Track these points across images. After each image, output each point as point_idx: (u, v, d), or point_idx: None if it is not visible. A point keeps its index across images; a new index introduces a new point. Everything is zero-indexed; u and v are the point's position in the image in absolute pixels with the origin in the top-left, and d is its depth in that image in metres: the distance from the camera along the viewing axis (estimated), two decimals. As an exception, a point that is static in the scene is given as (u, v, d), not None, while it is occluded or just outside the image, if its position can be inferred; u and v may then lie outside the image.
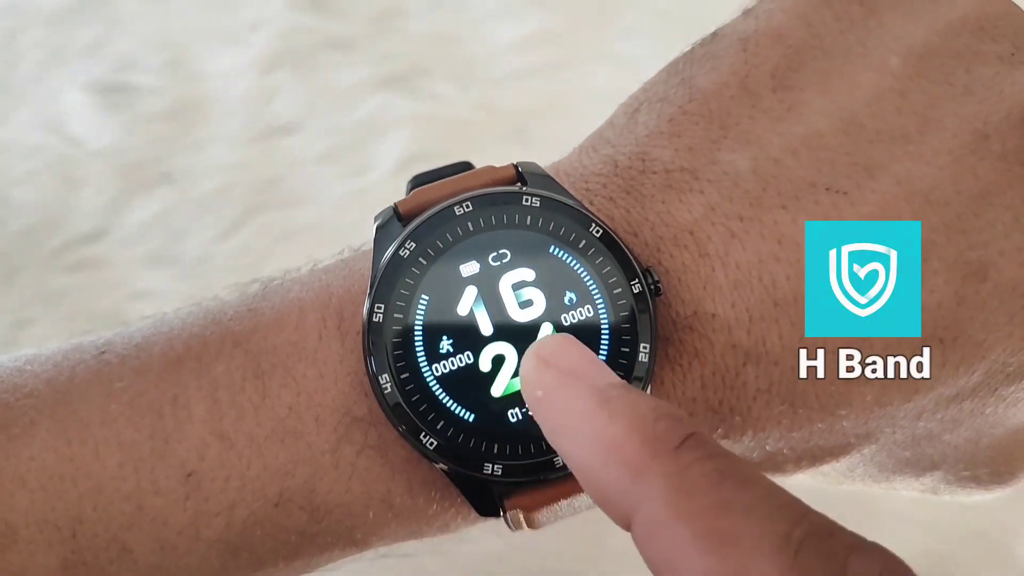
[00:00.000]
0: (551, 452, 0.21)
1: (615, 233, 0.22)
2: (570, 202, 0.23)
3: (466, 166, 0.24)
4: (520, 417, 0.22)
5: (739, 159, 0.23)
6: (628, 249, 0.22)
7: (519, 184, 0.24)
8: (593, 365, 0.18)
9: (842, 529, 0.15)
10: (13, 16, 0.48)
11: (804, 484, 0.36)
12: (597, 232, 0.22)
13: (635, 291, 0.22)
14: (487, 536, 0.39)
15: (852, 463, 0.25)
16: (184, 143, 0.46)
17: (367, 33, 0.49)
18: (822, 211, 0.22)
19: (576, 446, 0.17)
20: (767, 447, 0.23)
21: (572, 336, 0.20)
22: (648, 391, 0.22)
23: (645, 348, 0.22)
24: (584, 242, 0.22)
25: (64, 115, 0.46)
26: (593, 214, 0.23)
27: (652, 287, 0.22)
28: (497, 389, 0.22)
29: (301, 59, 0.48)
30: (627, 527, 0.16)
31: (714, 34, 0.25)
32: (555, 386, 0.18)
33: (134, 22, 0.48)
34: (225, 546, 0.22)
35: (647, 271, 0.22)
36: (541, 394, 0.18)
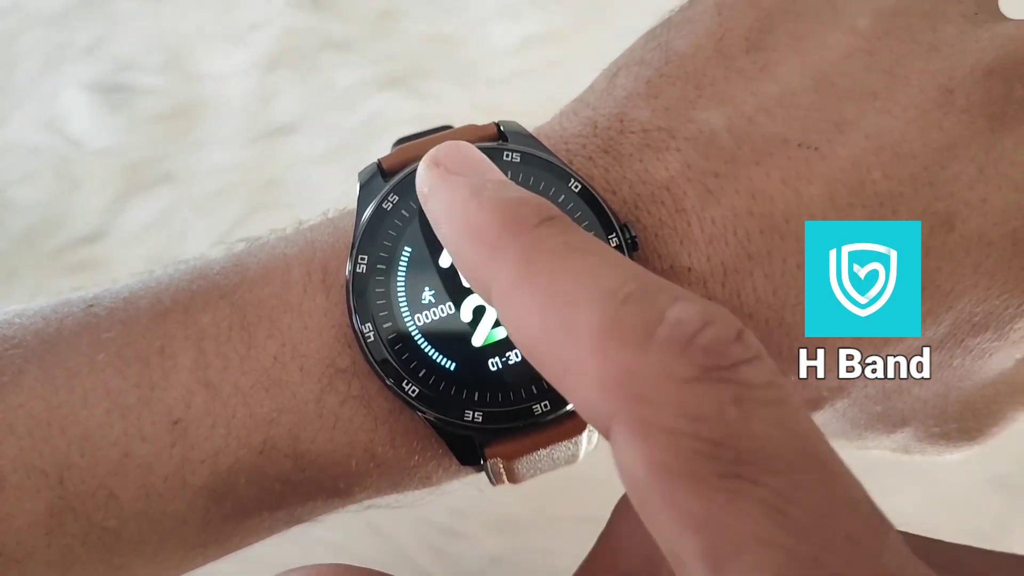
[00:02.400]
0: (530, 400, 0.22)
1: (594, 189, 0.23)
2: (550, 158, 0.23)
3: (448, 128, 0.25)
4: (500, 366, 0.22)
5: (714, 118, 0.23)
6: (606, 204, 0.23)
7: (500, 141, 0.24)
8: (476, 165, 0.20)
9: (671, 286, 0.16)
10: (13, 16, 0.48)
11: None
12: (576, 187, 0.23)
13: (613, 245, 0.22)
14: (487, 536, 0.39)
15: (825, 419, 0.25)
16: (184, 143, 0.46)
17: (367, 33, 0.49)
18: (794, 166, 0.23)
19: (449, 231, 0.19)
20: None
21: (467, 143, 0.21)
22: None
23: None
24: (563, 197, 0.23)
25: (64, 115, 0.46)
26: (572, 170, 0.23)
27: (629, 242, 0.23)
28: (478, 339, 0.22)
29: (301, 59, 0.48)
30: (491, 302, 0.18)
31: (690, 1, 0.26)
32: (438, 183, 0.20)
33: (134, 22, 0.48)
34: (210, 493, 0.22)
35: (625, 226, 0.23)
36: (427, 190, 0.20)
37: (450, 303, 0.22)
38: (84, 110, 0.46)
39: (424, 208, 0.21)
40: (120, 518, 0.22)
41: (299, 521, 0.24)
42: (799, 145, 0.23)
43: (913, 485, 0.41)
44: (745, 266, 0.23)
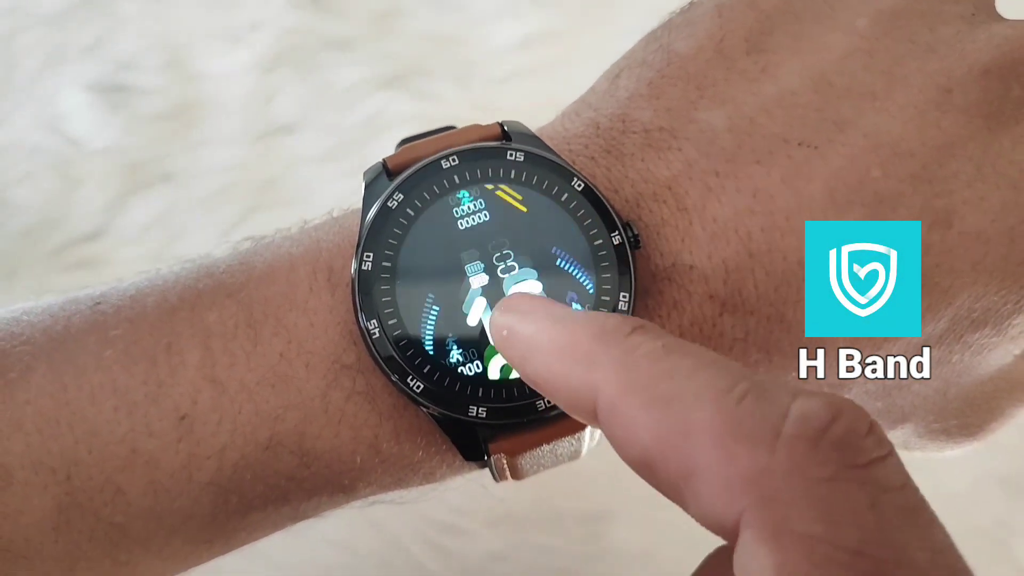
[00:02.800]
0: (534, 396, 0.22)
1: (596, 188, 0.23)
2: (553, 158, 0.24)
3: (452, 128, 0.25)
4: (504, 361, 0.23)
5: (715, 118, 0.24)
6: (609, 203, 0.23)
7: (504, 140, 0.24)
8: (549, 303, 0.20)
9: (787, 381, 0.16)
10: (13, 16, 0.48)
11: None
12: (579, 186, 0.23)
13: (615, 243, 0.23)
14: (488, 532, 0.39)
15: None
16: (184, 143, 0.46)
17: (367, 33, 0.49)
18: (794, 165, 0.23)
19: (538, 360, 0.18)
20: None
21: (530, 291, 0.22)
22: None
23: (625, 298, 0.23)
24: (566, 195, 0.23)
25: (64, 115, 0.46)
26: (575, 169, 0.23)
27: (632, 240, 0.23)
28: (493, 371, 0.23)
29: (301, 59, 0.48)
30: (595, 422, 0.17)
31: (691, 3, 0.26)
32: (517, 323, 0.19)
33: (134, 22, 0.48)
34: (216, 489, 0.22)
35: (627, 224, 0.23)
36: (506, 333, 0.20)
37: (455, 300, 0.23)
38: (84, 110, 0.46)
39: (503, 352, 0.20)
40: (127, 514, 0.22)
41: (304, 517, 0.24)
42: (799, 144, 0.23)
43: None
44: (746, 264, 0.23)
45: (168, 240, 0.45)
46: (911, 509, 0.14)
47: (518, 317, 0.19)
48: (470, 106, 0.47)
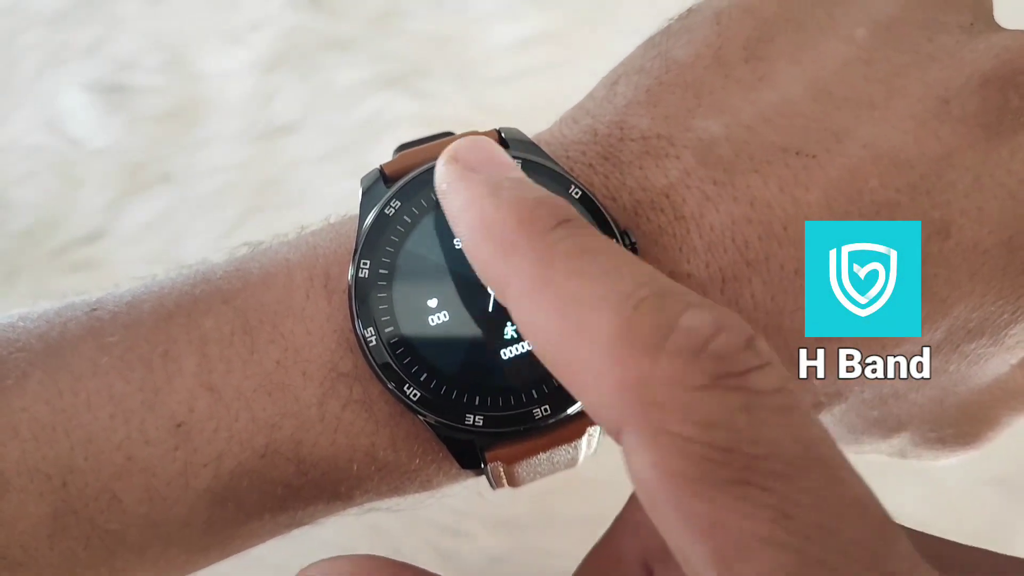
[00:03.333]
0: (531, 404, 0.22)
1: (594, 195, 0.23)
2: (551, 165, 0.23)
3: (449, 135, 0.25)
4: (502, 371, 0.23)
5: (713, 126, 0.24)
6: (606, 211, 0.23)
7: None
8: (495, 161, 0.20)
9: (685, 291, 0.17)
10: (13, 16, 0.48)
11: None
12: (576, 194, 0.23)
13: None
14: (488, 536, 0.39)
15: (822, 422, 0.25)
16: (184, 143, 0.46)
17: (367, 33, 0.49)
18: (792, 174, 0.23)
19: (465, 228, 0.19)
20: None
21: (486, 138, 0.21)
22: None
23: None
24: None
25: (64, 115, 0.46)
26: (573, 177, 0.23)
27: (629, 248, 0.23)
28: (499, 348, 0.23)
29: (301, 59, 0.48)
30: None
31: (689, 10, 0.26)
32: (456, 179, 0.20)
33: (134, 22, 0.48)
34: (212, 497, 0.22)
35: (625, 232, 0.23)
36: (445, 186, 0.20)
37: (453, 308, 0.23)
38: (84, 110, 0.46)
39: (442, 204, 0.21)
40: (123, 522, 0.22)
41: (300, 524, 0.24)
42: (797, 153, 0.23)
43: (912, 485, 0.41)
44: (743, 273, 0.23)
45: (168, 240, 0.45)
46: (785, 409, 0.15)
47: (459, 175, 0.20)
48: (470, 106, 0.47)
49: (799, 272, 0.23)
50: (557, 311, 0.17)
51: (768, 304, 0.23)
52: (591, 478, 0.37)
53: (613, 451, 0.32)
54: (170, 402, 0.22)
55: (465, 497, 0.38)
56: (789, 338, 0.23)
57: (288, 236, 0.25)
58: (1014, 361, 0.26)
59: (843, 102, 0.23)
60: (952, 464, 0.41)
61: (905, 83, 0.23)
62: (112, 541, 0.22)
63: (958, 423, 0.27)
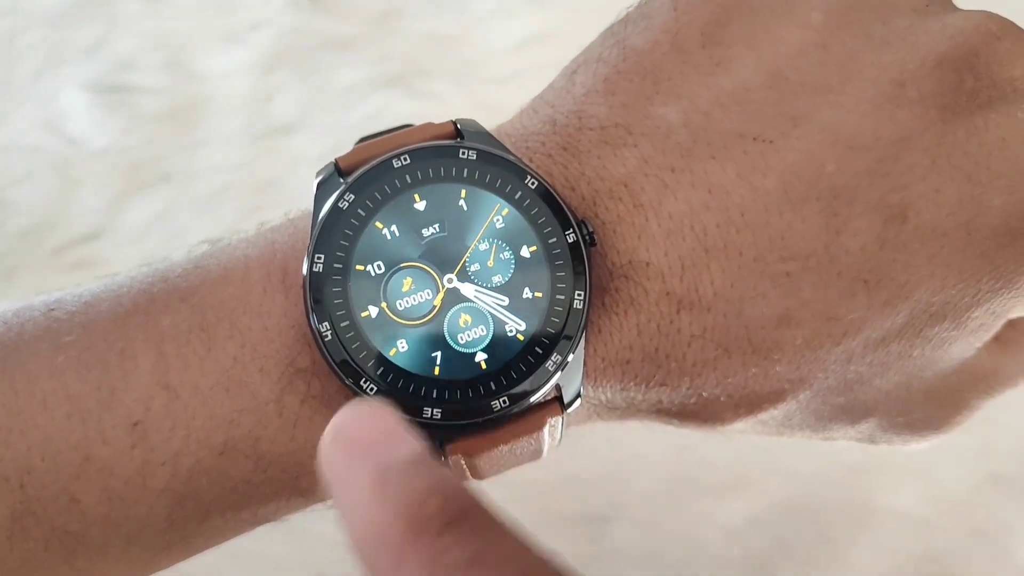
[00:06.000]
0: (488, 396, 0.22)
1: (550, 185, 0.23)
2: (506, 156, 0.23)
3: (408, 127, 0.25)
4: (457, 363, 0.23)
5: (671, 113, 0.24)
6: (563, 200, 0.23)
7: (458, 139, 0.24)
8: (385, 438, 0.17)
9: None
10: (13, 16, 0.48)
11: (804, 488, 0.36)
12: (532, 184, 0.23)
13: (569, 241, 0.23)
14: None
15: (789, 410, 0.25)
16: (184, 143, 0.46)
17: (367, 33, 0.49)
18: (750, 160, 0.23)
19: (352, 528, 0.16)
20: (704, 393, 0.24)
21: (376, 402, 0.18)
22: (583, 338, 0.23)
23: (580, 296, 0.23)
24: (520, 194, 0.23)
25: (64, 115, 0.46)
26: (529, 167, 0.23)
27: (587, 237, 0.23)
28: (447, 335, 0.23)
29: (301, 59, 0.48)
30: None
31: None
32: (341, 466, 0.17)
33: (134, 22, 0.48)
34: (171, 495, 0.22)
35: (582, 222, 0.23)
36: (329, 476, 0.17)
37: (408, 300, 0.23)
38: (84, 110, 0.46)
39: (328, 494, 0.18)
40: (83, 522, 0.21)
41: (263, 521, 0.24)
42: (754, 139, 0.23)
43: (912, 483, 0.41)
44: (702, 260, 0.23)
45: (167, 240, 0.45)
46: None
47: (342, 457, 0.17)
48: (470, 106, 0.47)
49: (758, 259, 0.23)
50: None
51: (728, 291, 0.23)
52: (592, 477, 0.37)
53: (611, 450, 0.32)
54: (127, 401, 0.22)
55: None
56: (750, 324, 0.23)
57: (248, 232, 0.25)
58: (979, 344, 0.26)
59: (799, 87, 0.23)
60: (954, 463, 0.41)
61: (861, 67, 0.24)
62: (72, 542, 0.22)
63: (926, 407, 0.27)
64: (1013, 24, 0.24)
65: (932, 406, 0.27)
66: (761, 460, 0.33)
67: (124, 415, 0.22)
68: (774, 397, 0.25)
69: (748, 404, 0.25)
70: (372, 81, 0.48)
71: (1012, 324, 0.27)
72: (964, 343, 0.25)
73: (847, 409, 0.26)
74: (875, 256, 0.23)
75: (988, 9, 0.25)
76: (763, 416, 0.25)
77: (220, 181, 0.46)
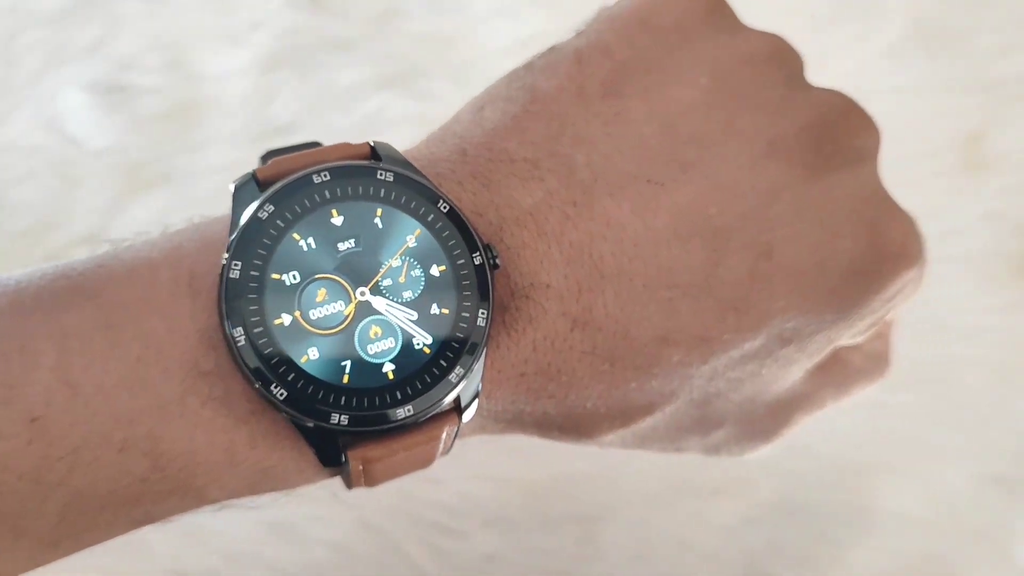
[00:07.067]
0: (395, 404, 0.23)
1: (460, 210, 0.25)
2: (421, 180, 0.25)
3: (317, 144, 0.27)
4: (366, 371, 0.24)
5: (575, 153, 0.26)
6: (471, 226, 0.25)
7: (374, 160, 0.26)
8: None
9: None
10: (13, 16, 0.48)
11: (800, 488, 0.36)
12: (444, 208, 0.25)
13: (476, 263, 0.24)
14: (483, 534, 0.39)
15: (655, 422, 0.28)
16: (184, 143, 0.46)
17: (367, 33, 0.49)
18: (643, 199, 0.26)
19: None
20: (587, 405, 0.27)
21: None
22: (484, 353, 0.25)
23: (483, 313, 0.24)
24: (432, 216, 0.25)
25: (64, 115, 0.47)
26: (442, 192, 0.25)
27: (492, 261, 0.25)
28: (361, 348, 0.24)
29: (301, 59, 0.48)
30: None
31: (551, 49, 0.29)
32: None
33: (134, 22, 0.48)
34: (66, 490, 0.22)
35: (488, 246, 0.25)
36: None
37: (321, 311, 0.23)
38: (84, 110, 0.46)
39: None
40: None
41: (154, 520, 0.24)
42: (647, 181, 0.26)
43: (912, 485, 0.41)
44: (598, 284, 0.25)
45: (167, 240, 0.45)
46: None
47: None
48: (469, 106, 0.47)
49: (647, 285, 0.25)
50: None
51: (618, 313, 0.25)
52: (586, 477, 0.37)
53: (604, 450, 0.32)
54: (27, 396, 0.22)
55: (460, 495, 0.38)
56: (635, 344, 0.26)
57: (151, 235, 0.25)
58: (809, 367, 0.30)
59: (688, 139, 0.27)
60: (954, 463, 0.41)
61: (741, 126, 0.27)
62: None
63: (763, 420, 0.31)
64: (859, 103, 0.29)
65: (768, 419, 0.31)
66: (757, 460, 0.33)
67: (23, 410, 0.22)
68: (646, 410, 0.27)
69: (623, 416, 0.27)
70: (372, 81, 0.48)
71: (834, 352, 0.31)
72: (800, 365, 0.29)
73: (704, 420, 0.29)
74: (745, 286, 0.26)
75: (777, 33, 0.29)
76: (633, 427, 0.28)
77: (220, 181, 0.46)
